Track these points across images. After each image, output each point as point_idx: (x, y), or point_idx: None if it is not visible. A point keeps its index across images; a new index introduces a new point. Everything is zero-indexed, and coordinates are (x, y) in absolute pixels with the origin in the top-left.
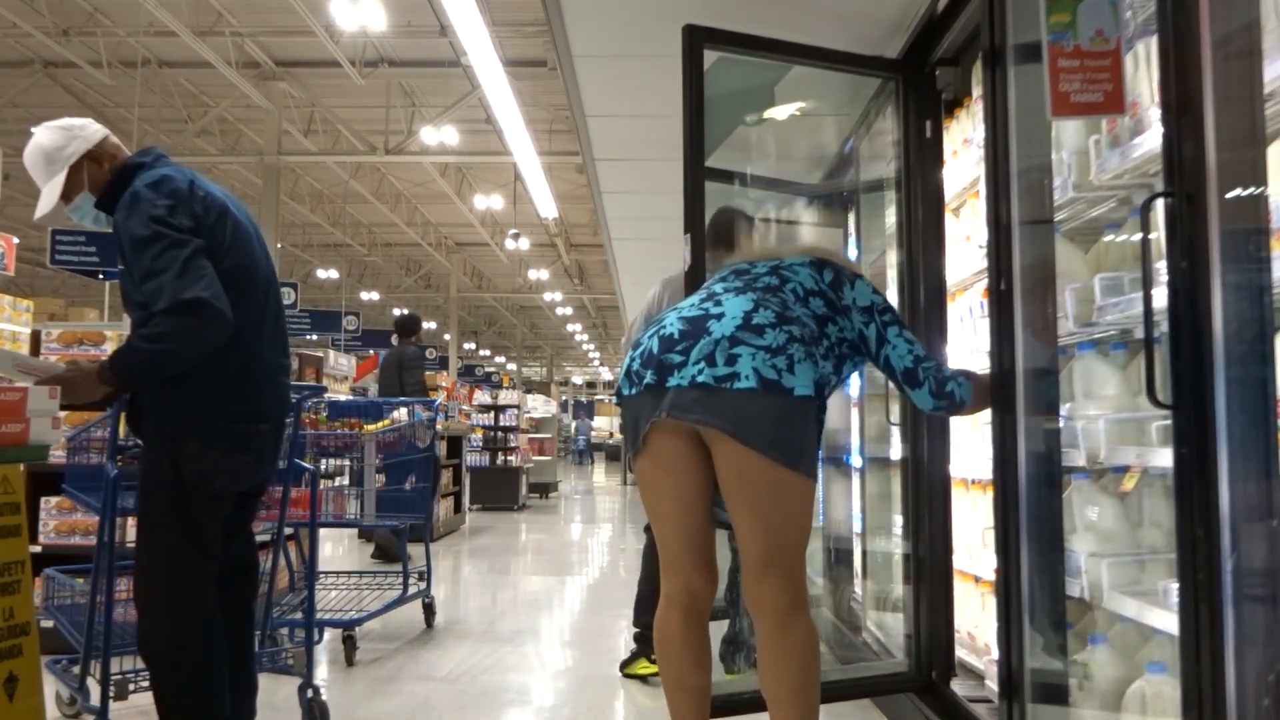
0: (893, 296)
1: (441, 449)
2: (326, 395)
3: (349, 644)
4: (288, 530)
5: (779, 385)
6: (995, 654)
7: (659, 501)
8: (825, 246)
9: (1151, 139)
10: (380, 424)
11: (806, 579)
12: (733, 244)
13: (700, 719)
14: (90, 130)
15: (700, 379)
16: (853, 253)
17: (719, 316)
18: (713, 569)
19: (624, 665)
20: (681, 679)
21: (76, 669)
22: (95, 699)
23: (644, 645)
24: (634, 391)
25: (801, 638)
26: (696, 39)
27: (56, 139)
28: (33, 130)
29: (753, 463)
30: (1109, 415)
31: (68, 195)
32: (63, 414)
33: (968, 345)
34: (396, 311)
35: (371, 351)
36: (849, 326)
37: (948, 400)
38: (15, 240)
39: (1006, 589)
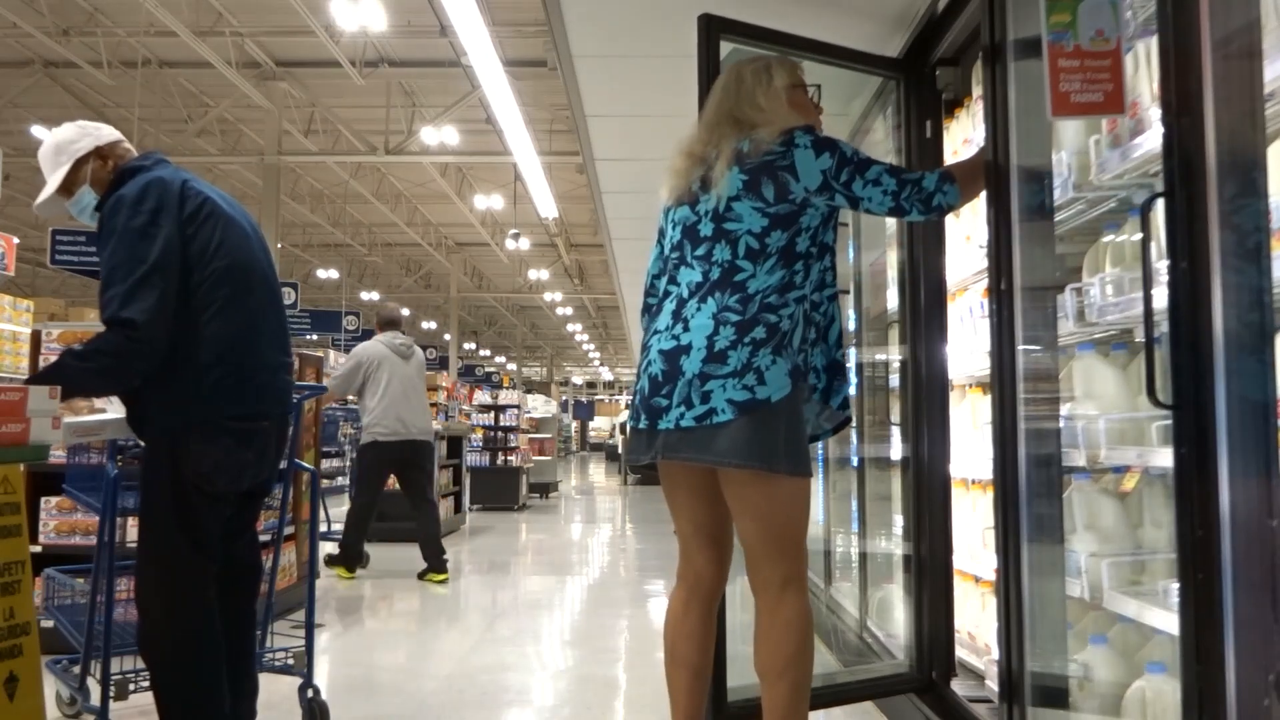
0: (893, 296)
1: (441, 449)
2: None
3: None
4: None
5: (754, 402)
6: (995, 654)
7: (674, 495)
8: (740, 138)
9: (1151, 139)
10: None
11: (804, 562)
12: None
13: (695, 696)
14: (104, 132)
15: (684, 423)
16: (852, 253)
17: (688, 350)
18: (721, 556)
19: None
20: (676, 652)
21: (76, 669)
22: (95, 699)
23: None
24: (635, 425)
25: (791, 615)
26: (714, 28)
27: (69, 134)
28: (40, 130)
29: (740, 477)
30: (1109, 415)
31: (69, 189)
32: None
33: (968, 345)
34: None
35: None
36: (814, 213)
37: (938, 212)
38: (15, 240)
39: (1006, 589)
